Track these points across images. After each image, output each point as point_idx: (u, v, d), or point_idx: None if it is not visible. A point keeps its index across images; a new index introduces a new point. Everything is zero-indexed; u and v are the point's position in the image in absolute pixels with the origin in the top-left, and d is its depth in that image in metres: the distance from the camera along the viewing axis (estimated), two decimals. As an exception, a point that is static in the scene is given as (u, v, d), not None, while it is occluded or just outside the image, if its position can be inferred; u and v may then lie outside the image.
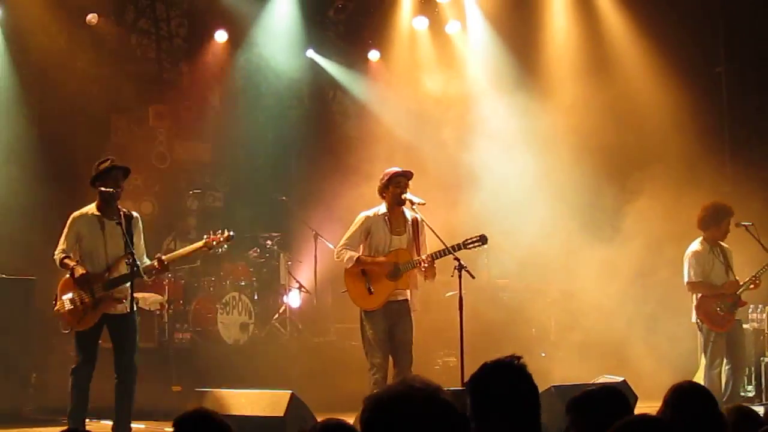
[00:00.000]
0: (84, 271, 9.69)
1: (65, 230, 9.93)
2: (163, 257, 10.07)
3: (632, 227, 14.38)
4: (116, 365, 9.79)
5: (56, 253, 9.87)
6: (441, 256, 9.96)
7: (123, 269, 9.81)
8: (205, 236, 10.55)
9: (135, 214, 10.05)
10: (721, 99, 16.14)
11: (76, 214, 10.00)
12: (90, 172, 10.01)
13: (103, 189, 9.82)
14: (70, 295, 9.77)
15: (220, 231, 10.49)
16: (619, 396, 4.96)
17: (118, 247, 9.80)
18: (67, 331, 9.93)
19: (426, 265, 9.97)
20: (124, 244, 9.67)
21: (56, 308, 9.86)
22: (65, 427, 9.55)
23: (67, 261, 9.79)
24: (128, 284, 9.73)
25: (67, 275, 9.83)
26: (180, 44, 17.95)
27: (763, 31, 15.55)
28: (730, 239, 11.75)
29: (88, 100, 15.60)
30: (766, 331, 13.08)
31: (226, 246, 10.64)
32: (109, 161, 9.98)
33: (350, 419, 4.05)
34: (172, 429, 4.05)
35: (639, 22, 15.77)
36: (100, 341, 9.94)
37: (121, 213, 9.80)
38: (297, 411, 8.53)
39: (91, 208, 9.98)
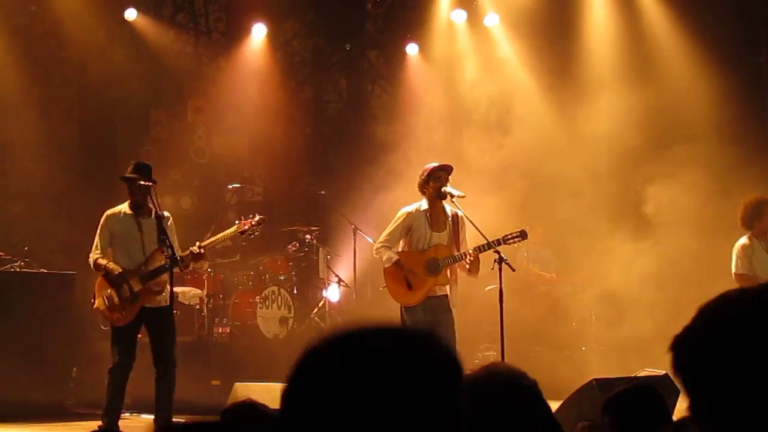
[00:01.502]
0: (120, 269, 9.83)
1: (99, 229, 10.05)
2: (199, 244, 10.09)
3: (674, 222, 14.23)
4: (155, 359, 9.87)
5: (91, 255, 9.98)
6: (482, 251, 9.92)
7: (159, 261, 9.91)
8: (236, 221, 10.64)
9: (166, 213, 10.13)
10: (763, 89, 15.94)
11: (109, 212, 10.14)
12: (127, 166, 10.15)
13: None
14: (108, 292, 9.86)
15: (251, 215, 10.57)
16: (651, 392, 4.93)
17: (153, 241, 9.89)
18: (106, 328, 10.04)
19: (471, 258, 9.92)
20: (157, 237, 9.76)
21: (95, 305, 10.01)
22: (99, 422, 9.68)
23: (100, 261, 9.91)
24: (166, 276, 9.82)
25: (102, 274, 9.93)
26: (218, 39, 17.99)
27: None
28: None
29: (127, 95, 15.71)
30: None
31: (258, 231, 10.69)
32: (131, 167, 10.05)
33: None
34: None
35: (679, 12, 15.62)
36: (138, 337, 10.02)
37: (154, 211, 9.89)
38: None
39: (125, 206, 10.07)
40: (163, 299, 9.92)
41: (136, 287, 9.81)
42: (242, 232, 10.59)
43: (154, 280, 9.90)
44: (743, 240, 11.46)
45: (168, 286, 9.84)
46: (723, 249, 11.87)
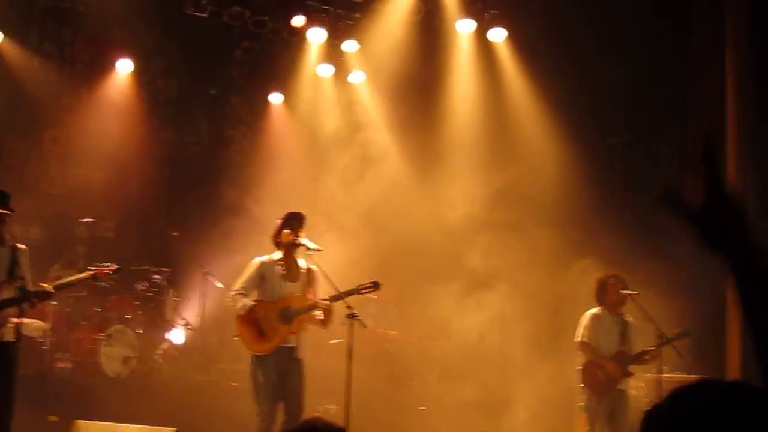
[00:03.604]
0: None
1: None
2: (48, 285, 9.90)
3: (526, 289, 14.53)
4: None
5: None
6: (336, 300, 9.97)
7: (7, 293, 9.66)
8: (91, 267, 10.49)
9: (22, 246, 9.87)
10: (614, 168, 16.44)
11: None
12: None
13: None
14: None
15: (107, 264, 10.46)
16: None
17: (4, 272, 9.67)
18: None
19: (326, 306, 9.98)
20: (9, 268, 9.58)
21: None
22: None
23: None
24: (10, 310, 9.61)
25: None
26: (82, 70, 17.76)
27: (657, 106, 15.90)
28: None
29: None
30: (643, 398, 13.32)
31: (110, 280, 10.58)
32: None
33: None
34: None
35: (543, 92, 16.04)
36: None
37: (8, 243, 9.72)
38: (179, 449, 8.49)
39: None
40: (5, 333, 9.70)
41: None
42: (95, 279, 10.45)
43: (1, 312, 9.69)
44: (595, 310, 11.80)
45: (10, 321, 9.66)
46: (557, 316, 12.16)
